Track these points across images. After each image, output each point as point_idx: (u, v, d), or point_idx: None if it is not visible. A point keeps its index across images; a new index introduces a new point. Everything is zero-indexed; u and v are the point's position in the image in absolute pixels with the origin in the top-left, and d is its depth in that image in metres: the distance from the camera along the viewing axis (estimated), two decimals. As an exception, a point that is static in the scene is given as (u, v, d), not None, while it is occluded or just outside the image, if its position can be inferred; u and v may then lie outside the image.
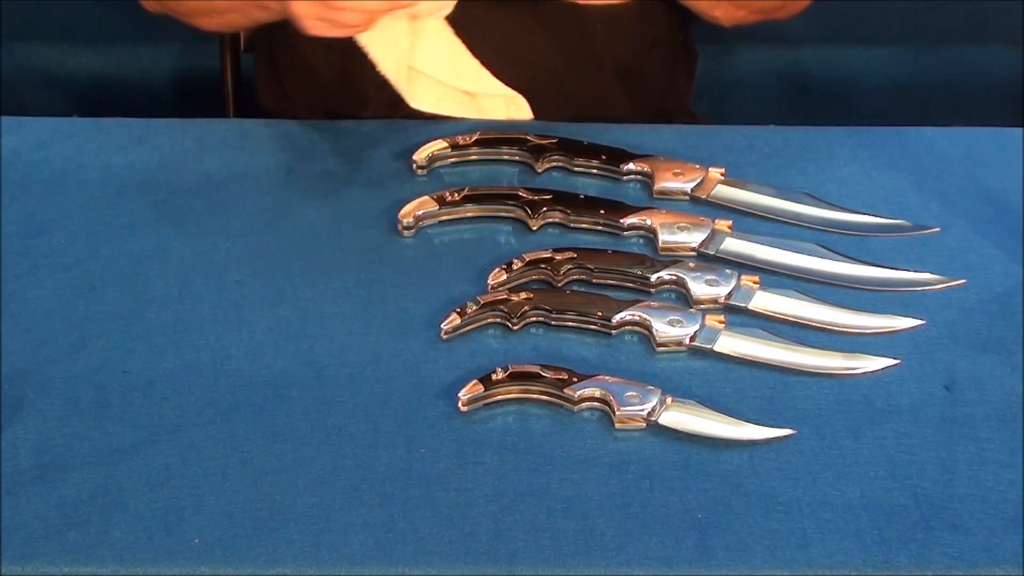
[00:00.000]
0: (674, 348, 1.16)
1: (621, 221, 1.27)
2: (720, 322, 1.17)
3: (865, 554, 1.00)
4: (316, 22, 1.26)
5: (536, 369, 1.11)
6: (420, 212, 1.27)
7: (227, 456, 1.06)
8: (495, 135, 1.36)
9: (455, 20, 1.43)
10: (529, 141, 1.35)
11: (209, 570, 0.99)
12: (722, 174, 1.33)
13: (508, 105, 1.45)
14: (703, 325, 1.17)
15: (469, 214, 1.29)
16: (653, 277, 1.21)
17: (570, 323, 1.18)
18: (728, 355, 1.15)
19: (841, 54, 2.03)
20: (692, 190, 1.32)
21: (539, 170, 1.34)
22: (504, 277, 1.21)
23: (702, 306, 1.20)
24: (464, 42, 1.43)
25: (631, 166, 1.33)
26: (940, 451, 1.08)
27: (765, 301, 1.20)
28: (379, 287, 1.22)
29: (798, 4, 1.45)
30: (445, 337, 1.16)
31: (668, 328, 1.16)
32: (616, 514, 1.03)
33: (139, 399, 1.11)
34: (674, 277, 1.21)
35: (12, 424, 1.08)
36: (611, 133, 1.39)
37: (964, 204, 1.32)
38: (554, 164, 1.34)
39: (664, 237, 1.26)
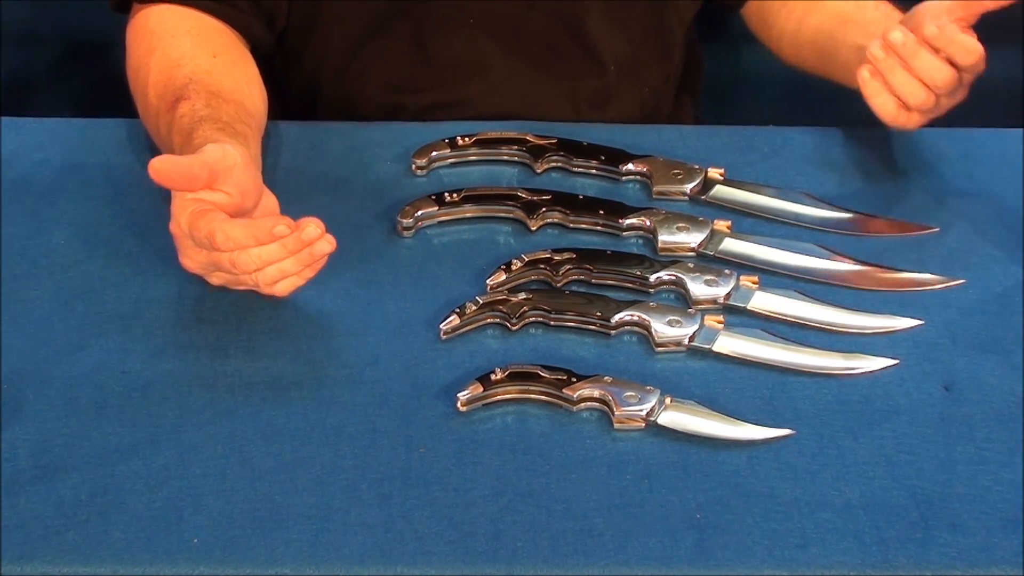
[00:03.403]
0: (673, 348, 1.16)
1: (620, 221, 1.27)
2: (719, 322, 1.17)
3: (864, 554, 1.00)
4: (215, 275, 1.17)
5: (535, 369, 1.11)
6: (419, 212, 1.27)
7: (226, 456, 1.06)
8: (494, 135, 1.36)
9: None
10: (528, 141, 1.35)
11: (209, 570, 0.99)
12: (722, 174, 1.33)
13: None
14: (702, 325, 1.17)
15: (468, 214, 1.29)
16: (652, 277, 1.21)
17: (569, 323, 1.18)
18: (727, 355, 1.15)
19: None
20: (691, 190, 1.32)
21: (538, 171, 1.34)
22: (503, 277, 1.21)
23: (701, 306, 1.19)
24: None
25: (630, 166, 1.33)
26: (939, 451, 1.08)
27: (764, 301, 1.20)
28: (379, 287, 1.22)
29: None
30: (444, 337, 1.16)
31: (667, 328, 1.16)
32: (615, 514, 1.03)
33: (138, 399, 1.11)
34: (673, 277, 1.21)
35: (12, 424, 1.08)
36: (611, 133, 1.39)
37: (964, 204, 1.32)
38: (553, 165, 1.34)
39: (663, 237, 1.26)
